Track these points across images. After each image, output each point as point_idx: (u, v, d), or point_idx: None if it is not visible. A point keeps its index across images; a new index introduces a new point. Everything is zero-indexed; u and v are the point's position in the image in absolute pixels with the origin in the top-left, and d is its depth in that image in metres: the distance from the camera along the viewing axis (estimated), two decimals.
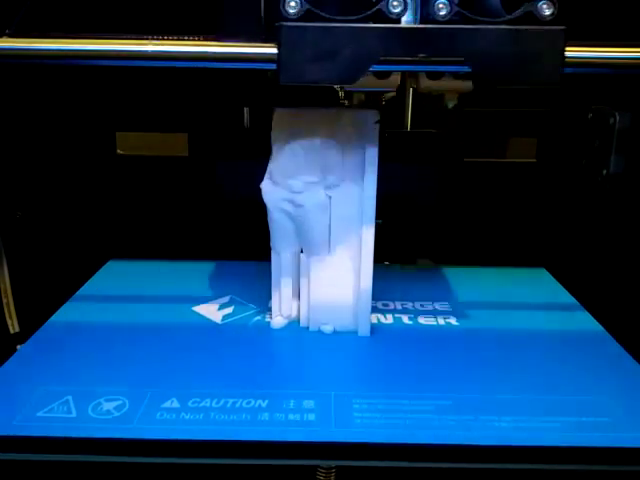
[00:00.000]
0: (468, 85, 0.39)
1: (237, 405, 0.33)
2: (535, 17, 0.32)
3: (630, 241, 0.51)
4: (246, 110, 0.59)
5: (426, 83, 0.39)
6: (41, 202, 0.55)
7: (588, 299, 0.47)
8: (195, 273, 0.51)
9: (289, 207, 0.39)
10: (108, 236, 0.59)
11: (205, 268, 0.52)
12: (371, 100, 0.54)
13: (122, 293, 0.47)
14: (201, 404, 0.33)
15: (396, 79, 0.38)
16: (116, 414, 0.32)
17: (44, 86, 0.53)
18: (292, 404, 0.33)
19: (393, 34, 0.32)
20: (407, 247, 0.58)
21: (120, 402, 0.33)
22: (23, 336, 0.48)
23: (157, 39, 0.34)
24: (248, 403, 0.33)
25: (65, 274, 0.54)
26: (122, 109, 0.58)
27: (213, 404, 0.33)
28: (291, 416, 0.32)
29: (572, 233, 0.58)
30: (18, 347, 0.47)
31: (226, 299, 0.46)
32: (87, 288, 0.48)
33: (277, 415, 0.32)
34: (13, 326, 0.50)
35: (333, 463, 0.34)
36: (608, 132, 0.49)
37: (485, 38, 0.31)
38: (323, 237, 0.40)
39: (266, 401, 0.33)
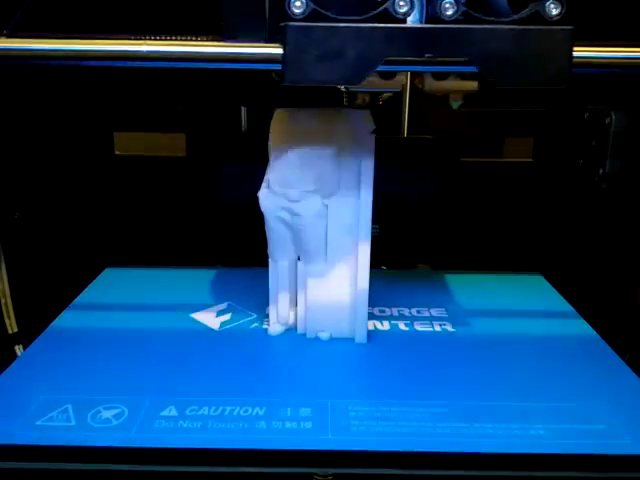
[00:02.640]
0: (473, 85, 0.38)
1: (235, 413, 0.33)
2: (542, 17, 0.31)
3: (627, 244, 0.52)
4: (244, 112, 0.60)
5: (432, 83, 0.39)
6: (39, 202, 0.55)
7: (584, 305, 0.48)
8: (193, 280, 0.51)
9: (286, 216, 0.39)
10: (105, 236, 0.59)
11: (203, 274, 0.52)
12: (368, 101, 0.55)
13: (120, 301, 0.47)
14: (199, 412, 0.33)
15: (402, 79, 0.38)
16: (115, 422, 0.32)
17: (41, 86, 0.54)
18: (289, 412, 0.33)
19: (399, 34, 0.31)
20: (404, 252, 0.58)
21: (119, 410, 0.33)
22: (21, 337, 0.49)
23: (161, 39, 0.34)
24: (245, 411, 0.33)
25: (63, 274, 0.54)
26: (120, 109, 0.58)
27: (211, 412, 0.33)
28: (288, 424, 0.32)
29: (569, 236, 0.58)
30: (16, 347, 0.47)
31: (224, 306, 0.47)
32: (85, 296, 0.48)
33: (274, 423, 0.33)
34: (11, 326, 0.50)
35: (330, 471, 0.34)
36: (604, 132, 0.49)
37: (491, 38, 0.31)
38: (320, 245, 0.40)
39: (263, 409, 0.34)
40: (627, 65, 0.34)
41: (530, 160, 0.60)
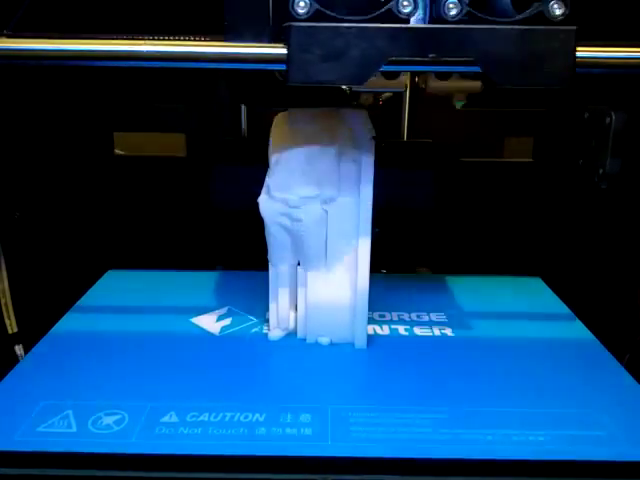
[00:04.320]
0: (476, 85, 0.38)
1: (235, 419, 0.33)
2: (546, 17, 0.31)
3: (627, 246, 0.52)
4: (244, 112, 0.60)
5: (435, 83, 0.39)
6: (39, 202, 0.55)
7: (583, 308, 0.48)
8: (194, 283, 0.51)
9: (286, 221, 0.39)
10: (105, 235, 0.59)
11: (203, 278, 0.52)
12: (371, 101, 0.54)
13: (121, 305, 0.47)
14: (199, 418, 0.33)
15: (405, 79, 0.38)
16: (116, 428, 0.32)
17: (42, 86, 0.53)
18: (289, 418, 0.34)
19: (403, 34, 0.31)
20: (404, 255, 0.58)
21: (120, 416, 0.33)
22: (21, 337, 0.49)
23: (161, 39, 0.34)
24: (245, 417, 0.34)
25: (62, 273, 0.54)
26: (120, 109, 0.58)
27: (211, 418, 0.33)
28: (288, 430, 0.33)
29: (568, 237, 0.58)
30: (16, 347, 0.47)
31: (224, 310, 0.47)
32: (86, 300, 0.48)
33: (274, 429, 0.33)
34: (11, 326, 0.50)
35: (330, 477, 0.34)
36: (604, 132, 0.49)
37: (495, 38, 0.31)
38: (320, 250, 0.40)
39: (263, 415, 0.34)
40: (628, 65, 0.34)
41: (530, 160, 0.60)
